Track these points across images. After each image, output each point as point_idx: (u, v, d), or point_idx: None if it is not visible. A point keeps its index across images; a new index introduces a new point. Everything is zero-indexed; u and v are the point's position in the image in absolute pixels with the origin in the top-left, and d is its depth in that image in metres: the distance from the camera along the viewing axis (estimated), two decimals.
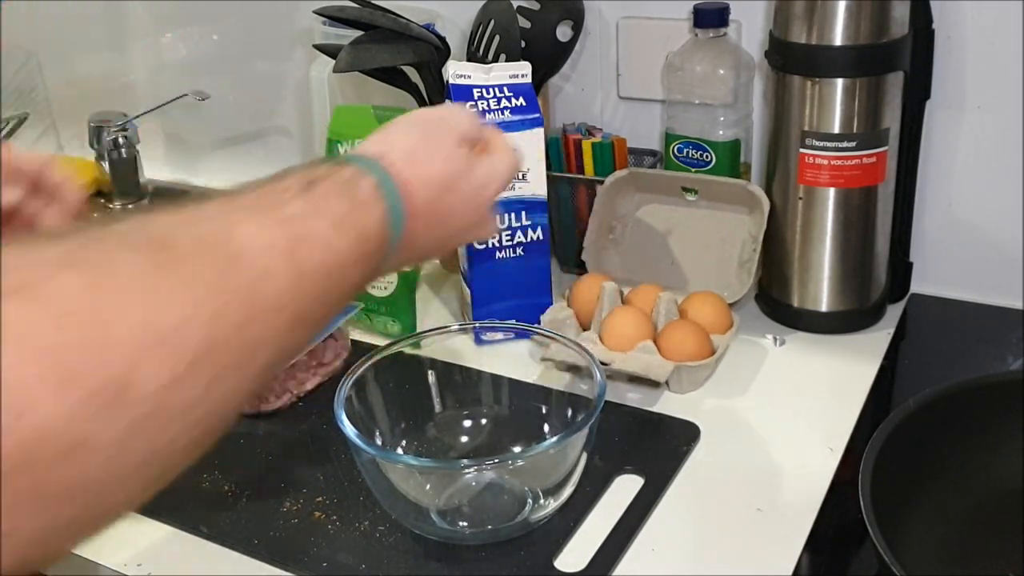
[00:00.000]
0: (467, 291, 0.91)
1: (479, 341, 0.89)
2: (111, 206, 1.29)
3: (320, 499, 0.72)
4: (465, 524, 0.68)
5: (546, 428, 0.74)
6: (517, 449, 0.74)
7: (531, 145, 0.86)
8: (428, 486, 0.69)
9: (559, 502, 0.67)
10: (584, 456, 0.67)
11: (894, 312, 0.93)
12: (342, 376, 0.70)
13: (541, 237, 0.89)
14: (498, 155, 0.61)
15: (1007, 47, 0.86)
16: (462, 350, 0.82)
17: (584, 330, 0.89)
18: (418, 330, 0.88)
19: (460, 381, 0.78)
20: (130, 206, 1.30)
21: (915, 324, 0.93)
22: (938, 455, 0.67)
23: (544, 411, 0.76)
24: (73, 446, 0.32)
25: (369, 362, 0.72)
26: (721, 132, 0.93)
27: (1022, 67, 0.86)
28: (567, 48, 1.00)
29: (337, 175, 0.50)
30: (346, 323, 0.88)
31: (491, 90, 0.85)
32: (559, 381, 0.80)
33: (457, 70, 0.85)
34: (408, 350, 0.76)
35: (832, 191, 0.85)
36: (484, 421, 0.76)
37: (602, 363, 0.71)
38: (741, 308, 0.93)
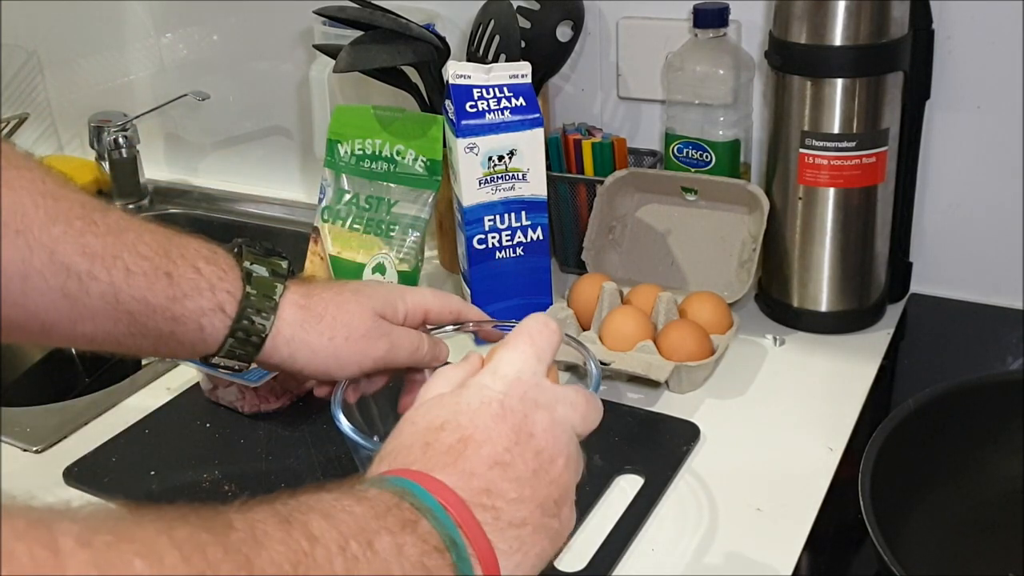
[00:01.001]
0: (467, 291, 0.91)
1: (479, 341, 0.89)
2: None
3: None
4: None
5: None
6: None
7: (531, 145, 0.86)
8: None
9: None
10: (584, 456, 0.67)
11: (894, 312, 0.93)
12: None
13: (541, 237, 0.89)
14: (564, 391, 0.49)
15: (1007, 47, 0.86)
16: (462, 350, 0.82)
17: (584, 330, 0.89)
18: None
19: None
20: (130, 206, 1.30)
21: (915, 324, 0.93)
22: (938, 455, 0.67)
23: None
24: None
25: None
26: (721, 132, 0.93)
27: (1022, 67, 0.86)
28: (567, 48, 1.00)
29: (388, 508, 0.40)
30: None
31: (491, 90, 0.85)
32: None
33: (457, 70, 0.85)
34: None
35: (832, 191, 0.85)
36: None
37: (602, 363, 0.71)
38: (741, 308, 0.93)
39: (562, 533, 0.46)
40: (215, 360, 0.61)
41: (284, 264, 0.62)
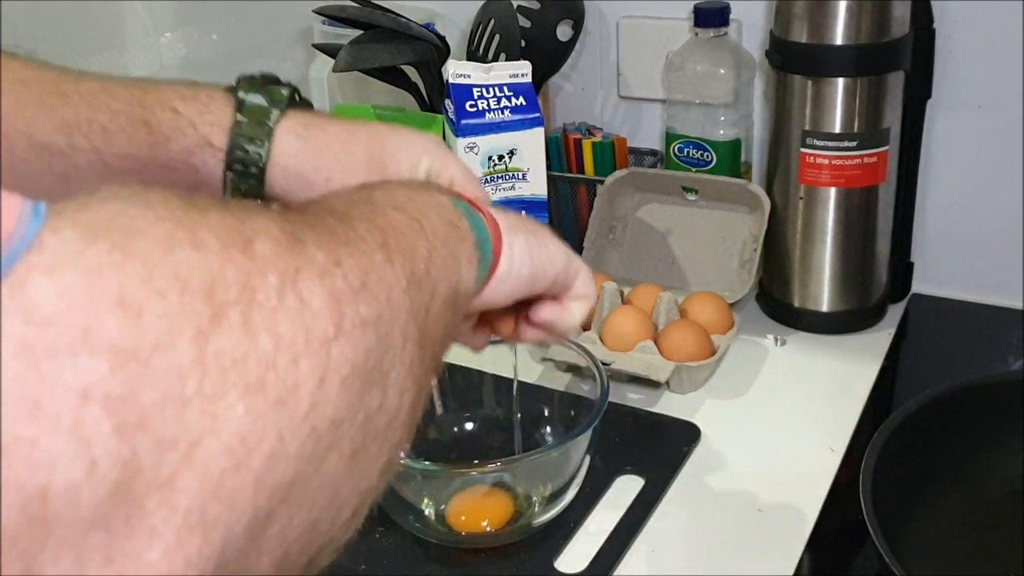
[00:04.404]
0: None
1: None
2: None
3: None
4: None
5: (548, 430, 0.74)
6: (519, 452, 0.74)
7: (531, 145, 0.86)
8: (429, 488, 0.69)
9: (562, 505, 0.67)
10: (587, 459, 0.67)
11: (895, 312, 0.93)
12: None
13: None
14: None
15: (1007, 47, 0.86)
16: (462, 351, 0.82)
17: (584, 330, 0.89)
18: None
19: (461, 383, 0.78)
20: None
21: (916, 324, 0.93)
22: (939, 455, 0.67)
23: (546, 413, 0.75)
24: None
25: None
26: (722, 132, 0.93)
27: (1022, 67, 0.86)
28: (567, 48, 1.00)
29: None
30: None
31: (491, 90, 0.85)
32: (560, 382, 0.80)
33: (457, 69, 0.85)
34: None
35: (833, 191, 0.85)
36: (485, 423, 0.76)
37: (602, 363, 0.71)
38: (742, 308, 0.93)
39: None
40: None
41: (285, 92, 0.57)
